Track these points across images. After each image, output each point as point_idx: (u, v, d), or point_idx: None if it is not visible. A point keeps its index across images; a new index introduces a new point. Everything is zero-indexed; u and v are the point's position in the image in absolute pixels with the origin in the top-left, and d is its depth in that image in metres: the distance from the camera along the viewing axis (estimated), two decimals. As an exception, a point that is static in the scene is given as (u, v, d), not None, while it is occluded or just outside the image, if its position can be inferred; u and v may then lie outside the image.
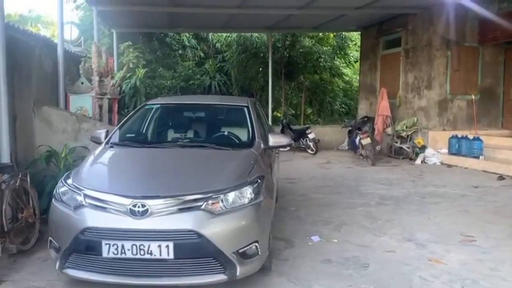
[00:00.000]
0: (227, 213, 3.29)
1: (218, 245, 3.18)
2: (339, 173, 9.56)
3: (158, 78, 13.29)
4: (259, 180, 3.62)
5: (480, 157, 9.92)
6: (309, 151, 12.70)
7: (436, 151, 11.14)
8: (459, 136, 10.68)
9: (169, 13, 11.45)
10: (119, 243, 3.15)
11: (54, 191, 3.66)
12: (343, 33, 16.36)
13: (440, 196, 7.18)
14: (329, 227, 5.39)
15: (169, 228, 3.16)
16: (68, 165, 5.64)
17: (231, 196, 3.37)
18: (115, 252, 3.15)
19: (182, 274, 3.19)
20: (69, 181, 3.58)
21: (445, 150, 11.12)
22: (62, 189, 3.56)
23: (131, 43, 9.86)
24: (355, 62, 18.46)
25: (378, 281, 3.81)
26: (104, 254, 3.17)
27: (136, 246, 3.14)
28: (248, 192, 3.45)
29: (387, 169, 10.08)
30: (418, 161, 11.03)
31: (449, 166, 10.41)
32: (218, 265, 3.22)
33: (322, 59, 16.04)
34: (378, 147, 11.15)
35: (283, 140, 4.51)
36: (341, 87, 16.51)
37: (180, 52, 15.20)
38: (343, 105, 17.22)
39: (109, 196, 3.28)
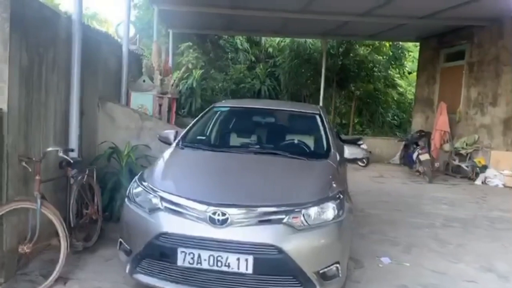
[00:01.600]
0: (309, 229, 3.07)
1: (299, 263, 2.96)
2: (394, 188, 9.14)
3: (210, 80, 13.26)
4: (341, 196, 3.37)
5: (551, 182, 9.24)
6: (360, 163, 12.26)
7: (498, 172, 10.49)
8: (526, 158, 10.01)
9: (227, 15, 11.38)
10: (196, 252, 2.98)
11: (128, 191, 3.55)
12: (400, 43, 15.83)
13: (510, 222, 6.67)
14: (397, 248, 5.05)
15: (250, 240, 2.97)
16: (130, 163, 5.58)
17: (313, 211, 3.14)
18: (191, 262, 2.99)
19: (261, 291, 2.99)
20: (144, 182, 3.45)
21: (509, 172, 10.45)
22: (137, 190, 3.44)
23: (191, 44, 9.84)
24: (409, 73, 17.89)
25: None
26: (179, 262, 3.01)
27: (214, 257, 2.96)
28: (330, 208, 3.21)
29: (445, 188, 9.57)
30: (479, 181, 10.41)
31: (513, 189, 9.76)
32: (298, 284, 3.00)
33: (376, 69, 15.58)
34: (437, 164, 10.63)
35: (359, 152, 4.25)
36: (395, 98, 15.95)
37: (232, 55, 15.15)
38: (395, 117, 16.65)
39: (187, 201, 3.12)
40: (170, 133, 4.46)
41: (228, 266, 2.95)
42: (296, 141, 4.55)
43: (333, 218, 3.18)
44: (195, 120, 4.69)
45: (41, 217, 3.58)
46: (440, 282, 4.15)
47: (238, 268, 2.94)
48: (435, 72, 13.41)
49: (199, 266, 2.98)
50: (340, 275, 3.18)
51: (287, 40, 15.09)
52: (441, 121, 11.78)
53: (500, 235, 5.88)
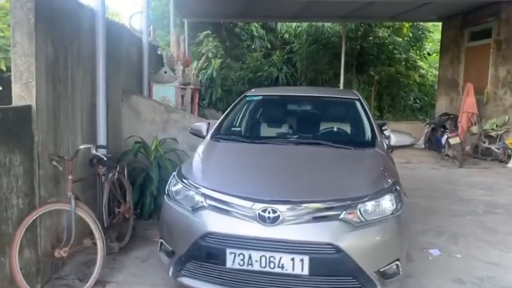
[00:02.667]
0: (367, 225, 2.82)
1: (359, 262, 2.72)
2: (426, 174, 8.82)
3: (226, 69, 12.99)
4: (397, 187, 3.11)
5: None
6: (384, 148, 11.93)
7: (530, 153, 10.10)
8: (562, 138, 9.59)
9: (243, 1, 11.07)
10: (246, 253, 2.76)
11: (167, 188, 3.33)
12: (420, 23, 15.33)
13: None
14: (443, 238, 4.79)
15: (304, 239, 2.74)
16: (158, 157, 5.37)
17: (370, 205, 2.89)
18: (241, 263, 2.77)
19: (318, 293, 2.76)
20: (184, 178, 3.23)
21: (542, 153, 10.06)
22: (176, 187, 3.22)
23: (210, 32, 9.56)
24: (429, 55, 17.38)
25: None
26: (229, 264, 2.79)
27: (266, 258, 2.74)
28: (388, 201, 2.96)
29: (478, 172, 9.22)
30: (511, 164, 10.03)
31: (548, 171, 9.37)
32: (358, 285, 2.76)
33: (396, 51, 15.12)
34: (467, 148, 10.26)
35: (406, 139, 3.96)
36: (417, 81, 15.48)
37: (248, 43, 14.82)
38: (416, 100, 16.21)
39: (234, 198, 2.88)
40: (202, 125, 4.23)
41: (282, 267, 2.72)
42: (336, 129, 4.29)
43: (392, 212, 2.93)
44: (227, 110, 4.44)
45: (70, 217, 3.40)
46: (496, 274, 3.89)
47: (293, 269, 2.71)
48: (459, 52, 12.93)
49: (250, 267, 2.76)
50: (401, 272, 2.95)
51: (304, 25, 14.70)
52: (468, 103, 11.34)
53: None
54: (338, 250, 2.70)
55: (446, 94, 13.57)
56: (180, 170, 3.41)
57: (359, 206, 2.85)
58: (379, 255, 2.83)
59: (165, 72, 7.21)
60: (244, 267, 2.77)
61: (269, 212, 2.77)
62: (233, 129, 4.31)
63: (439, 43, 14.68)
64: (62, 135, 3.81)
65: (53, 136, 3.62)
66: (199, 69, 8.72)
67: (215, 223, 2.87)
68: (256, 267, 2.75)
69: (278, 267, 2.73)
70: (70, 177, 3.42)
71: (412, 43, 15.50)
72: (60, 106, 3.78)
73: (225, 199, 2.91)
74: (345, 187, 3.02)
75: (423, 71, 16.09)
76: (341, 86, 13.45)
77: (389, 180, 3.17)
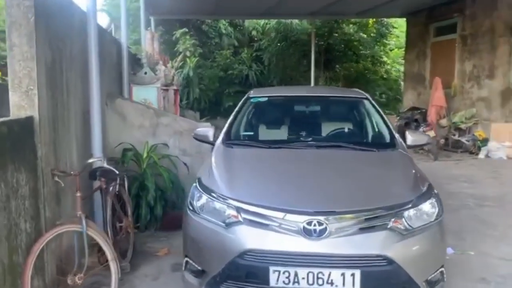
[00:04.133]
0: (414, 233, 2.70)
1: (411, 273, 2.60)
2: (406, 169, 8.90)
3: (204, 68, 12.62)
4: (435, 190, 3.01)
5: (557, 151, 9.26)
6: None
7: (500, 144, 10.46)
8: (529, 128, 10.00)
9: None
10: (292, 270, 2.56)
11: (189, 201, 3.05)
12: (385, 19, 15.60)
13: (540, 196, 6.56)
14: (449, 236, 4.76)
15: (355, 252, 2.57)
16: (151, 164, 5.04)
17: (415, 211, 2.77)
18: (286, 281, 2.57)
19: (370, 309, 2.61)
20: (210, 190, 2.97)
21: (510, 143, 10.44)
22: (202, 201, 2.95)
23: (187, 30, 9.20)
24: (391, 50, 17.75)
25: None
26: (272, 283, 2.58)
27: (314, 274, 2.55)
28: (431, 206, 2.85)
29: (453, 164, 9.45)
30: (482, 155, 10.34)
31: (518, 161, 9.74)
32: (410, 297, 2.63)
33: (362, 47, 15.31)
34: (442, 141, 10.50)
35: (422, 138, 3.89)
36: (384, 76, 15.76)
37: (216, 40, 14.50)
38: (382, 95, 16.52)
39: (273, 211, 2.67)
40: (208, 130, 3.98)
41: (331, 283, 2.55)
42: (352, 130, 4.16)
43: (436, 218, 2.82)
44: (233, 114, 4.19)
45: (81, 239, 3.07)
46: (515, 270, 3.89)
47: (343, 285, 2.54)
48: (425, 47, 13.23)
49: (296, 286, 2.56)
50: (445, 279, 2.85)
51: (273, 22, 14.57)
52: (437, 97, 11.61)
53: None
54: (390, 261, 2.56)
55: (413, 88, 13.87)
56: (201, 181, 3.14)
57: (405, 213, 2.72)
58: (428, 264, 2.73)
59: (145, 73, 6.84)
60: (290, 285, 2.57)
61: (314, 225, 2.59)
62: (244, 133, 4.09)
63: (402, 39, 15.01)
64: (61, 147, 3.45)
65: (53, 149, 3.26)
66: (175, 68, 8.38)
67: (254, 239, 2.65)
68: (302, 284, 2.56)
69: (327, 283, 2.55)
70: (78, 194, 3.08)
71: (377, 39, 15.76)
72: (58, 115, 3.41)
73: (263, 213, 2.69)
74: (388, 194, 2.88)
75: (388, 67, 16.41)
76: (312, 83, 13.45)
77: (425, 183, 3.07)
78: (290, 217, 2.63)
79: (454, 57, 11.96)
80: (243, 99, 4.40)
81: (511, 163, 9.64)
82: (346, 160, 3.45)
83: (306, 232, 2.59)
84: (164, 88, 6.83)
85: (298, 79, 15.11)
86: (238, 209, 2.75)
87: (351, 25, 15.10)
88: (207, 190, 2.99)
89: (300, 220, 2.61)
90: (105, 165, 3.46)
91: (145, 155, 5.08)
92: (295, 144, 3.74)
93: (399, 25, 16.01)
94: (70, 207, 3.61)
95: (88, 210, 4.20)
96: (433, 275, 2.74)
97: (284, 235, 2.62)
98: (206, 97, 11.32)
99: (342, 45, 14.98)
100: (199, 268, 2.86)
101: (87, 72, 4.09)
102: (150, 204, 4.79)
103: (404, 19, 14.40)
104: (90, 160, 3.37)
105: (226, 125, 4.05)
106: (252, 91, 4.61)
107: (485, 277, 3.75)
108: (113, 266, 3.11)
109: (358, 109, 4.36)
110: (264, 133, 4.16)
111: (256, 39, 15.29)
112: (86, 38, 4.02)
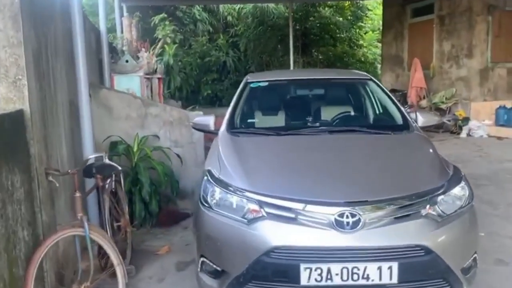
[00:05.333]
0: (449, 219, 2.55)
1: (448, 262, 2.44)
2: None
3: (185, 56, 12.17)
4: (463, 173, 2.87)
5: (537, 128, 9.42)
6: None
7: (480, 123, 10.59)
8: (508, 106, 10.13)
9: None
10: (325, 267, 2.36)
11: (201, 196, 2.79)
12: (360, 2, 15.50)
13: (530, 172, 6.62)
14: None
15: (391, 244, 2.39)
16: (143, 158, 4.74)
17: (447, 197, 2.62)
18: (318, 279, 2.37)
19: (408, 303, 2.44)
20: (226, 184, 2.72)
21: (489, 122, 10.58)
22: (217, 195, 2.71)
23: (166, 15, 8.78)
24: (365, 33, 17.71)
25: None
26: (303, 282, 2.37)
27: (348, 270, 2.36)
28: (461, 190, 2.71)
29: (439, 145, 9.27)
30: (464, 134, 10.45)
31: (499, 138, 9.86)
32: (447, 286, 2.48)
33: (339, 31, 15.18)
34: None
35: (433, 118, 3.75)
36: (362, 59, 15.71)
37: (191, 27, 14.03)
38: (360, 78, 16.49)
39: (300, 204, 2.46)
40: (209, 119, 3.72)
41: (367, 278, 2.37)
42: (361, 113, 3.97)
43: (468, 202, 2.68)
44: (234, 101, 3.93)
45: (83, 242, 2.79)
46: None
47: (380, 279, 2.37)
48: (403, 28, 13.21)
49: (329, 283, 2.37)
50: (477, 265, 2.72)
51: (249, 6, 14.21)
52: (417, 78, 11.66)
53: (534, 188, 5.76)
54: (428, 251, 2.40)
55: (391, 70, 13.87)
56: (212, 174, 2.89)
57: (438, 199, 2.56)
58: (464, 251, 2.59)
59: (127, 61, 6.46)
60: (322, 283, 2.37)
61: (347, 217, 2.39)
62: (249, 121, 3.84)
63: (377, 22, 14.96)
64: (52, 143, 3.12)
65: (44, 145, 2.93)
66: (155, 55, 7.99)
67: (281, 235, 2.44)
68: (336, 281, 2.37)
69: (363, 278, 2.37)
70: (78, 194, 2.78)
71: (353, 22, 15.65)
72: (47, 107, 3.07)
73: (289, 206, 2.47)
74: (418, 179, 2.72)
75: (364, 49, 16.37)
76: (291, 67, 13.23)
77: (450, 166, 2.93)
78: (319, 209, 2.43)
79: (432, 38, 11.97)
80: (241, 85, 4.14)
81: (492, 140, 9.76)
82: (365, 145, 3.26)
83: (338, 225, 2.39)
84: (147, 76, 6.46)
85: (275, 65, 14.87)
86: (261, 203, 2.53)
87: (327, 8, 14.90)
88: (222, 184, 2.74)
89: (331, 212, 2.41)
90: (107, 160, 3.15)
91: (135, 148, 4.77)
92: (306, 130, 3.53)
93: (373, 7, 15.95)
94: (63, 209, 3.31)
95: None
96: (468, 263, 2.61)
97: (313, 229, 2.42)
98: (188, 85, 10.94)
99: (319, 29, 14.80)
100: (218, 268, 2.62)
101: (72, 59, 3.75)
102: (145, 200, 4.50)
103: (380, 0, 14.32)
104: (92, 156, 3.06)
105: (228, 113, 3.79)
106: (249, 76, 4.35)
107: (501, 258, 3.68)
108: (120, 271, 2.84)
109: (365, 91, 4.18)
110: (269, 119, 3.93)
111: (232, 24, 14.90)
112: (70, 22, 3.67)
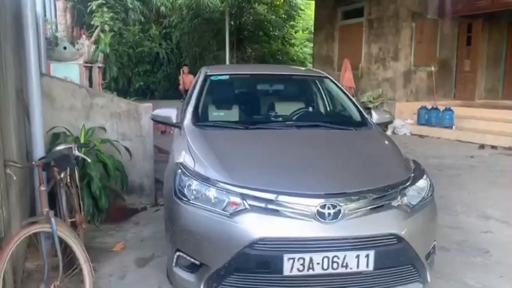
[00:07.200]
0: (416, 210, 2.73)
1: (416, 249, 2.63)
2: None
3: (122, 45, 11.59)
4: (423, 167, 3.10)
5: (453, 127, 10.33)
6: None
7: (404, 121, 11.39)
8: (429, 107, 11.00)
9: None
10: (307, 256, 2.43)
11: (177, 190, 2.71)
12: (293, 1, 15.88)
13: (452, 168, 7.25)
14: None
15: (369, 233, 2.52)
16: (91, 151, 4.49)
17: (413, 189, 2.81)
18: (301, 268, 2.43)
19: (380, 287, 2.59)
20: (202, 177, 2.68)
21: (411, 121, 11.44)
22: (194, 188, 2.65)
23: (104, 1, 8.32)
24: (296, 32, 18.20)
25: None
26: (286, 272, 2.42)
27: (329, 259, 2.45)
28: (424, 183, 2.92)
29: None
30: (389, 132, 11.17)
31: (421, 136, 10.70)
32: (415, 272, 2.67)
33: (273, 28, 15.44)
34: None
35: (386, 116, 3.97)
36: (295, 57, 16.10)
37: (122, 15, 13.44)
38: (291, 76, 16.90)
39: (283, 196, 2.50)
40: (171, 111, 3.63)
41: (346, 266, 2.47)
42: (322, 109, 4.09)
43: (430, 193, 2.90)
44: (195, 94, 3.85)
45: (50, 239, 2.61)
46: (466, 237, 4.20)
47: (358, 267, 2.48)
48: (334, 30, 13.77)
49: (310, 272, 2.45)
50: (436, 252, 2.96)
51: (185, -3, 13.96)
52: (347, 78, 12.24)
53: (458, 182, 6.32)
54: (400, 239, 2.56)
55: (322, 70, 14.25)
56: (186, 167, 2.83)
57: (406, 190, 2.74)
58: (427, 239, 2.79)
59: (65, 48, 6.06)
60: (304, 272, 2.44)
61: (328, 208, 2.48)
62: (214, 114, 3.80)
63: (307, 21, 15.44)
64: (6, 133, 2.86)
65: (0, 136, 2.68)
66: (91, 43, 7.56)
67: (265, 227, 2.46)
68: (317, 270, 2.45)
69: (342, 266, 2.47)
70: (42, 188, 2.59)
71: (286, 21, 16.00)
72: (0, 94, 2.81)
73: (272, 198, 2.51)
74: (389, 172, 2.88)
75: (296, 48, 16.81)
76: (227, 63, 13.23)
77: (410, 161, 3.15)
78: (301, 201, 2.49)
79: (361, 40, 12.63)
80: (201, 78, 4.08)
81: (415, 138, 10.56)
82: (333, 140, 3.38)
83: (320, 216, 2.47)
84: (87, 65, 6.12)
85: (209, 59, 14.76)
86: (243, 196, 2.53)
87: (262, 6, 15.08)
88: (199, 177, 2.70)
89: (313, 203, 2.48)
90: (77, 152, 2.95)
91: (82, 140, 4.51)
92: (273, 125, 3.58)
93: (305, 7, 16.41)
94: (14, 205, 3.05)
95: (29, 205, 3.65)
96: (430, 249, 2.82)
97: (296, 220, 2.47)
98: (124, 76, 10.48)
99: (253, 26, 14.93)
100: (196, 262, 2.59)
101: (21, 42, 3.45)
102: (94, 195, 4.28)
103: (313, 1, 14.78)
104: (60, 147, 2.84)
105: (190, 106, 3.72)
106: (207, 69, 4.30)
107: (443, 245, 3.99)
108: (87, 269, 2.69)
109: (323, 88, 4.32)
110: (232, 113, 3.91)
111: (164, 15, 14.52)
112: (19, 5, 3.37)
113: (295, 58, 16.36)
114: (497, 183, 6.31)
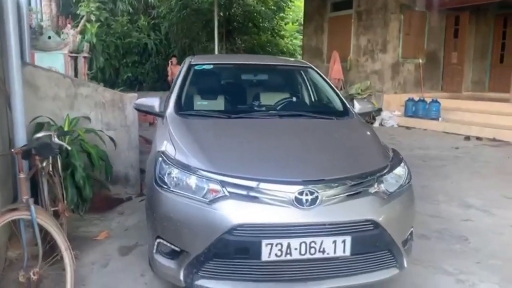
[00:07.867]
0: (392, 196, 2.78)
1: (393, 235, 2.68)
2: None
3: (109, 36, 11.48)
4: (401, 155, 3.15)
5: (440, 119, 10.43)
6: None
7: (391, 113, 11.48)
8: (416, 99, 11.09)
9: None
10: (285, 242, 2.47)
11: (157, 177, 2.74)
12: (283, -7, 15.86)
13: (437, 159, 7.34)
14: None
15: (346, 219, 2.56)
16: (75, 140, 4.49)
17: (391, 176, 2.86)
18: (279, 254, 2.47)
19: (357, 272, 2.64)
20: (182, 164, 2.71)
21: (399, 113, 11.52)
22: (175, 176, 2.68)
23: (90, -9, 8.25)
24: (285, 24, 18.18)
25: (496, 255, 3.65)
26: (264, 257, 2.46)
27: (306, 244, 2.49)
28: (402, 170, 2.97)
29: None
30: (377, 123, 11.27)
31: (407, 128, 10.80)
32: (391, 258, 2.73)
33: (262, 20, 15.40)
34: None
35: (368, 106, 4.02)
36: (285, 49, 16.10)
37: (110, 6, 13.32)
38: (281, 68, 16.90)
39: (262, 183, 2.53)
40: (154, 100, 3.64)
41: (323, 251, 2.52)
42: (305, 99, 4.11)
43: (408, 181, 2.95)
44: (178, 82, 3.86)
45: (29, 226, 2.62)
46: (447, 225, 4.28)
47: (335, 252, 2.53)
48: (323, 21, 13.79)
49: (288, 257, 2.49)
50: (413, 238, 3.02)
51: (172, -12, 13.86)
52: (336, 70, 12.30)
53: (442, 172, 6.41)
54: (376, 225, 2.61)
55: (311, 62, 14.17)
56: (167, 155, 2.85)
57: (383, 178, 2.79)
58: (404, 225, 2.85)
59: (50, 37, 6.01)
60: (282, 257, 2.48)
61: (306, 194, 2.51)
62: (198, 103, 3.81)
63: (297, 13, 15.42)
64: (-15, 121, 2.85)
65: (-21, 122, 2.68)
66: (77, 33, 7.51)
67: (244, 213, 2.49)
68: (295, 255, 2.49)
69: (320, 251, 2.51)
70: (22, 175, 2.59)
71: (276, 12, 15.97)
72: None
73: (251, 185, 2.54)
74: (367, 160, 2.92)
75: (286, 40, 16.80)
76: (216, 53, 13.19)
77: (389, 149, 3.20)
78: (280, 187, 2.52)
79: (350, 32, 12.67)
80: (185, 67, 4.09)
81: (402, 130, 10.65)
82: (314, 128, 3.41)
83: (298, 202, 2.50)
84: (72, 55, 6.08)
85: (198, 50, 14.71)
86: (223, 183, 2.56)
87: (250, -2, 15.07)
88: (180, 164, 2.72)
89: (291, 190, 2.51)
90: (56, 140, 2.95)
91: (66, 129, 4.50)
92: (256, 114, 3.60)
93: (295, -1, 16.41)
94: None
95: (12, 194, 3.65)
96: (407, 236, 2.88)
97: (274, 206, 2.51)
98: (111, 67, 10.40)
99: (243, 17, 14.89)
100: (176, 249, 2.62)
101: (2, 31, 3.43)
102: (78, 184, 4.28)
103: (302, -7, 14.77)
104: (39, 135, 2.84)
105: (174, 95, 3.73)
106: (192, 59, 4.31)
107: (423, 233, 4.07)
108: (68, 257, 2.70)
109: (307, 78, 4.34)
110: (217, 102, 3.92)
111: (153, 6, 14.41)
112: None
113: (285, 50, 16.36)
114: (480, 173, 6.41)
